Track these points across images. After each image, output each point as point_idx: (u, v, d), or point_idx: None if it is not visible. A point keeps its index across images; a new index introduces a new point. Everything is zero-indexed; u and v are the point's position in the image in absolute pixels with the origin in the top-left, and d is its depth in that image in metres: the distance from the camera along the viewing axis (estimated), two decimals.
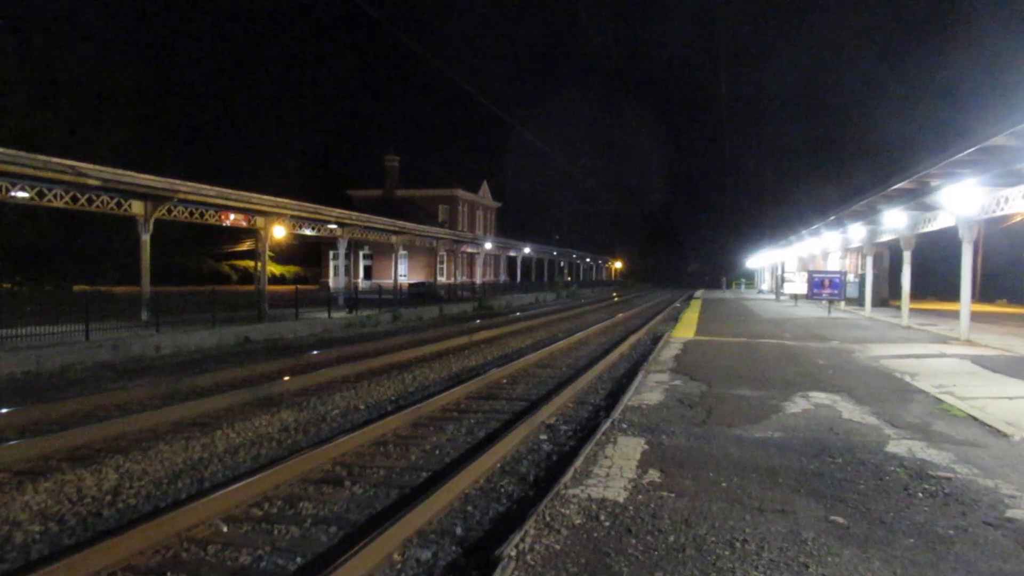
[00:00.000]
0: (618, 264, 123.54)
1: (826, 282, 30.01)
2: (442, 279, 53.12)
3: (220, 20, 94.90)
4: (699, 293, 65.96)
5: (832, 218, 28.68)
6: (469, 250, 56.44)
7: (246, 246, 61.07)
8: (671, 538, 4.90)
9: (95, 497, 6.51)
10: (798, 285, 36.70)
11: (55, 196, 18.33)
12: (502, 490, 6.72)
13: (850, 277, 33.49)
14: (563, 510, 5.43)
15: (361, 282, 50.29)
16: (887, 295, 35.50)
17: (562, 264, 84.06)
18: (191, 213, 23.26)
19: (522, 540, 4.82)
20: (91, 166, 18.76)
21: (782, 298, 44.38)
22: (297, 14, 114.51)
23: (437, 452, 8.12)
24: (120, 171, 19.66)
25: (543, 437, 8.75)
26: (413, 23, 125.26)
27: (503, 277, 71.08)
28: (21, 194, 17.60)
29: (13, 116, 35.06)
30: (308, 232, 31.26)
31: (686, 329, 21.70)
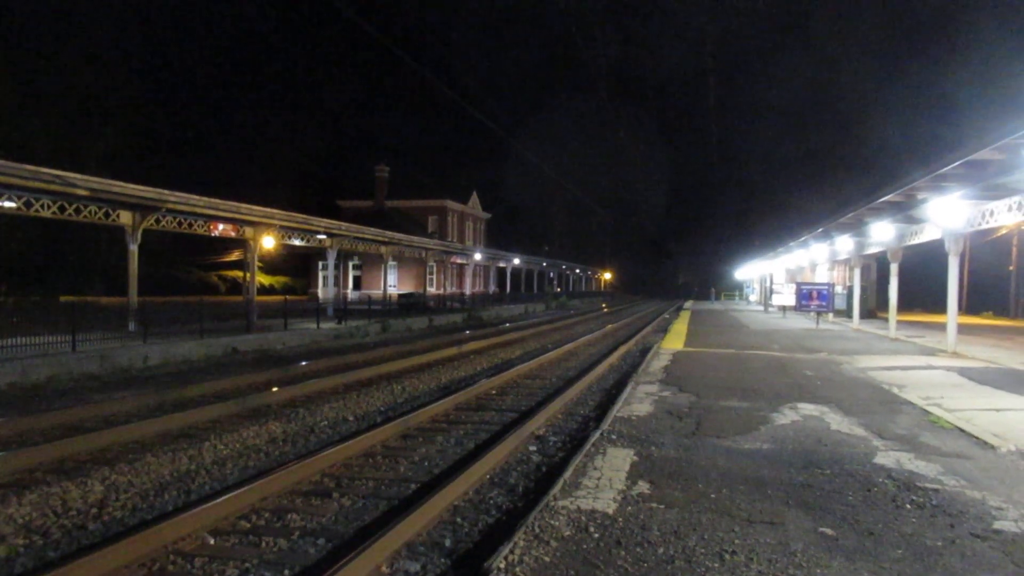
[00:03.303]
0: (608, 275, 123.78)
1: (814, 294, 30.16)
2: (432, 290, 53.11)
3: (211, 30, 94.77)
4: (688, 304, 66.23)
5: (820, 230, 28.86)
6: (459, 261, 56.45)
7: (235, 256, 60.84)
8: (660, 550, 4.89)
9: (80, 510, 6.45)
10: (786, 297, 36.92)
11: (43, 206, 18.23)
12: (491, 502, 6.70)
13: (838, 289, 33.68)
14: (552, 522, 5.42)
15: (350, 292, 50.17)
16: (874, 307, 35.75)
17: (552, 275, 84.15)
18: (180, 223, 23.19)
19: (511, 552, 4.80)
20: (79, 176, 18.71)
21: (770, 310, 44.59)
22: (289, 24, 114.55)
23: (426, 463, 8.09)
24: (108, 181, 19.63)
25: (532, 448, 8.73)
26: (404, 34, 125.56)
27: (493, 288, 71.05)
28: (8, 204, 17.50)
29: (2, 125, 34.93)
30: (297, 242, 31.22)
31: (675, 340, 21.74)
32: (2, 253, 34.54)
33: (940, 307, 28.63)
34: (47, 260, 37.84)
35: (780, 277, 48.77)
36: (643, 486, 6.35)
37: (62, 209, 18.77)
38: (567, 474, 6.64)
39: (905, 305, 32.00)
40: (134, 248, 20.90)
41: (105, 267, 40.20)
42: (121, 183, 19.86)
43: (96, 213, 19.88)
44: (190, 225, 23.79)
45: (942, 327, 20.51)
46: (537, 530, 5.23)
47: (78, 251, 39.35)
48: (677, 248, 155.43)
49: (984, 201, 16.09)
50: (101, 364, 15.40)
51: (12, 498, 6.56)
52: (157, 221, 21.80)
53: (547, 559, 4.73)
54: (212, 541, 5.71)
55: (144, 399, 11.50)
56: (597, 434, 8.35)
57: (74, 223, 20.96)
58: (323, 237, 31.76)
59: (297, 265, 63.96)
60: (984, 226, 16.73)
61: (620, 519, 5.49)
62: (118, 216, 20.52)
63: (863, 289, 30.84)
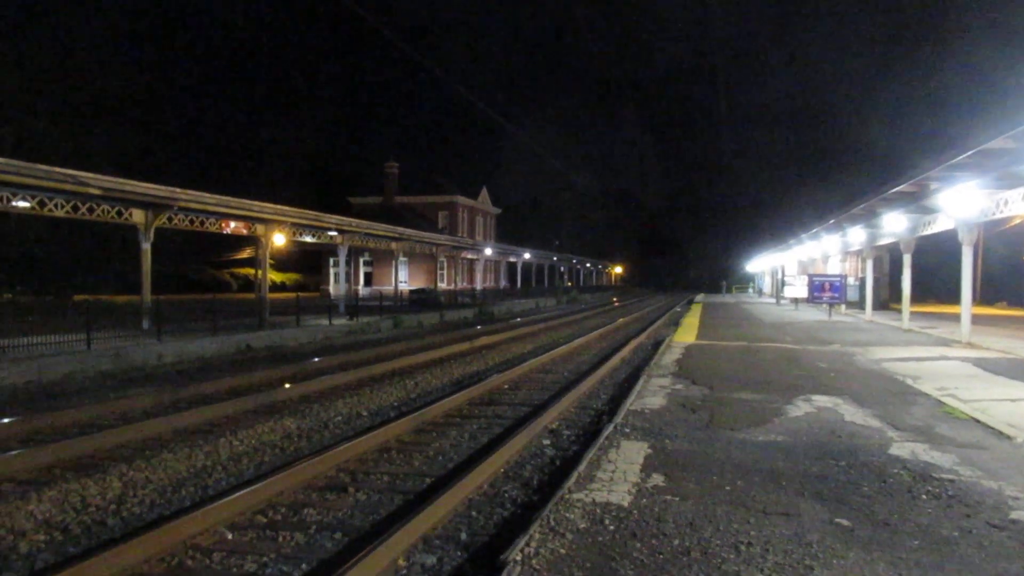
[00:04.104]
0: (618, 269, 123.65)
1: (826, 285, 30.01)
2: (442, 285, 53.13)
3: (219, 28, 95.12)
4: (699, 298, 66.02)
5: (831, 222, 28.71)
6: (469, 256, 56.48)
7: (246, 254, 61.17)
8: (676, 542, 4.90)
9: (99, 506, 6.51)
10: (798, 289, 36.72)
11: (56, 205, 18.36)
12: (506, 495, 6.72)
13: (850, 281, 33.48)
14: (568, 514, 5.43)
15: (362, 289, 50.30)
16: (887, 298, 35.56)
17: (562, 269, 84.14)
18: (191, 221, 23.30)
19: (527, 545, 4.82)
20: (92, 175, 18.81)
21: (782, 302, 44.39)
22: (297, 22, 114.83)
23: (440, 458, 8.12)
24: (121, 180, 19.72)
25: (546, 442, 8.75)
26: (412, 31, 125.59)
27: (503, 283, 71.09)
28: (22, 204, 17.63)
29: (12, 125, 35.16)
30: (308, 239, 31.31)
31: (687, 333, 21.70)
32: (17, 252, 34.82)
33: (953, 298, 28.44)
34: (61, 259, 38.10)
35: (792, 269, 48.57)
36: (657, 479, 6.36)
37: (75, 208, 18.90)
38: (581, 467, 6.65)
39: (918, 296, 31.81)
40: (147, 247, 21.01)
41: (118, 266, 40.46)
42: (133, 182, 19.96)
43: (109, 212, 20.00)
44: (202, 223, 23.90)
45: (956, 318, 20.37)
46: (552, 523, 5.25)
47: (91, 250, 39.60)
48: (687, 241, 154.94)
49: (997, 190, 15.97)
50: (116, 362, 15.52)
51: (32, 494, 6.62)
52: (169, 219, 21.91)
53: (563, 551, 4.75)
54: (230, 536, 5.76)
55: (160, 396, 11.58)
56: (611, 427, 8.36)
57: (87, 222, 21.09)
58: (334, 234, 31.83)
59: (308, 262, 64.27)
60: (998, 215, 16.60)
61: (635, 511, 5.51)
62: (131, 215, 20.64)
63: (876, 280, 30.67)
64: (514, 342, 21.58)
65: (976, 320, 19.99)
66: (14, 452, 7.88)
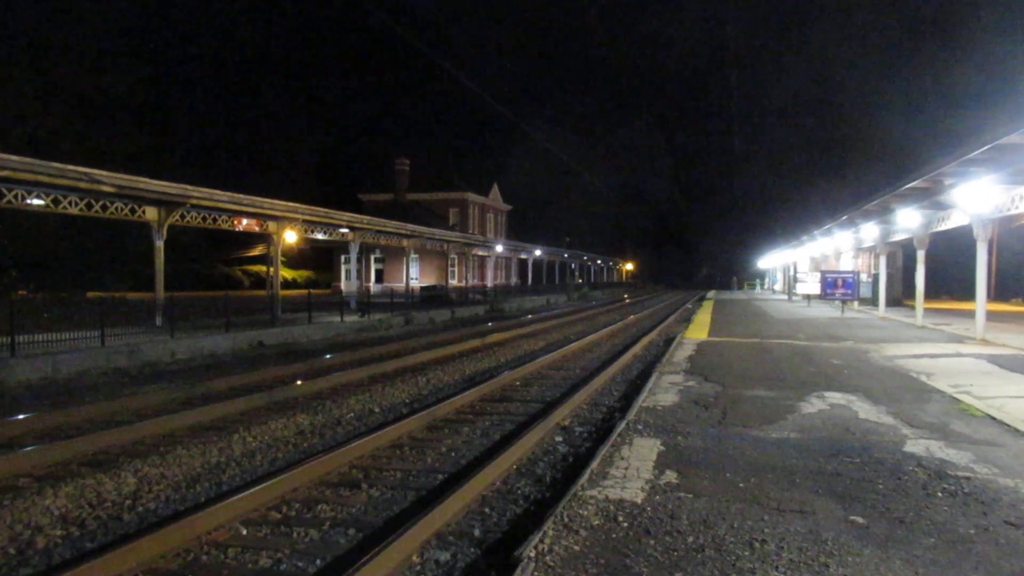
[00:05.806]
0: (629, 266, 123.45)
1: (839, 282, 29.85)
2: (453, 282, 53.20)
3: (229, 25, 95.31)
4: (711, 294, 65.81)
5: (844, 218, 28.53)
6: (480, 253, 56.48)
7: (258, 251, 61.31)
8: (690, 539, 4.89)
9: (115, 501, 6.56)
10: (811, 285, 36.52)
11: (70, 203, 18.47)
12: (519, 492, 6.72)
13: (863, 277, 33.29)
14: (581, 511, 5.43)
15: (373, 286, 50.40)
16: (901, 295, 35.33)
17: (573, 266, 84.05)
18: (204, 219, 23.40)
19: (541, 541, 4.82)
20: (105, 173, 18.92)
21: (794, 299, 44.18)
22: (307, 18, 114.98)
23: (453, 454, 8.13)
24: (134, 178, 19.84)
25: (558, 439, 8.75)
26: (423, 27, 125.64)
27: (514, 279, 71.07)
28: (36, 201, 17.76)
29: (25, 124, 35.39)
30: (320, 236, 31.39)
31: (699, 330, 21.63)
32: (30, 250, 35.05)
33: (967, 294, 28.24)
34: (74, 257, 38.34)
35: (804, 266, 48.33)
36: (671, 476, 6.35)
37: (89, 206, 19.01)
38: (594, 464, 6.65)
39: (932, 292, 31.64)
40: (160, 244, 21.12)
41: (131, 263, 40.70)
42: (146, 179, 20.07)
43: (122, 210, 20.12)
44: (214, 220, 23.99)
45: (970, 314, 20.23)
46: (566, 520, 5.25)
47: (104, 248, 39.83)
48: (698, 238, 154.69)
49: (1013, 186, 15.83)
50: (130, 358, 15.62)
51: (49, 490, 6.69)
52: (182, 217, 22.01)
53: (577, 548, 4.75)
54: (244, 531, 5.79)
55: (173, 393, 11.65)
56: (623, 424, 8.35)
57: (100, 220, 21.21)
58: (345, 231, 31.91)
59: (320, 259, 64.48)
60: (1013, 211, 16.45)
61: (648, 508, 5.50)
62: (144, 212, 20.75)
63: (889, 277, 30.48)
64: (525, 339, 21.58)
65: (991, 316, 19.84)
66: (30, 448, 7.95)
